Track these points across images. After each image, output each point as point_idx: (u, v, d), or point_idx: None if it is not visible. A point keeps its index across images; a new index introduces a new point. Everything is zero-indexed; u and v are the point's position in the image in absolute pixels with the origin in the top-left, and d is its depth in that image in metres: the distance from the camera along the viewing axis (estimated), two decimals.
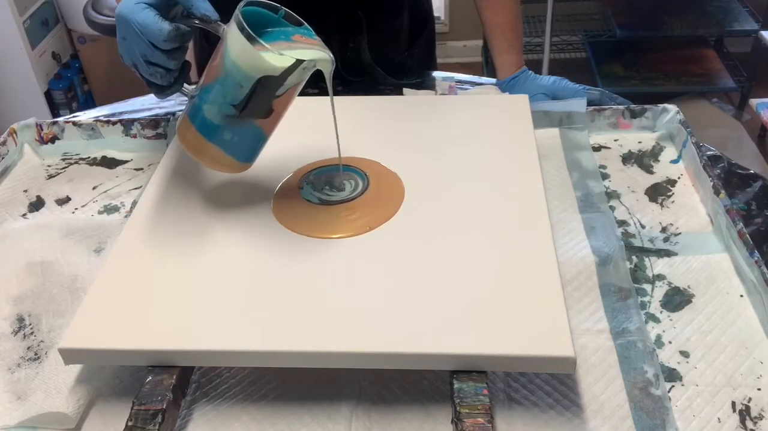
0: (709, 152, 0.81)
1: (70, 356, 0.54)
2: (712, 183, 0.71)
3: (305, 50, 0.58)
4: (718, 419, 0.53)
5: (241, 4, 0.57)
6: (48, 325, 0.63)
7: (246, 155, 0.63)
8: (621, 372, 0.56)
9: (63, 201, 0.80)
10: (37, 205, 0.79)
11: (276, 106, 0.59)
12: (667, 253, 0.68)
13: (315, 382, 0.57)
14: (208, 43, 1.00)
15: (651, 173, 0.78)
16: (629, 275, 0.64)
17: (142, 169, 0.84)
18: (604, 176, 0.78)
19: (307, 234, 0.62)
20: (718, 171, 0.79)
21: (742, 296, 0.63)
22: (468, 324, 0.53)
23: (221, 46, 0.57)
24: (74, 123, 0.88)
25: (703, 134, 1.84)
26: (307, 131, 0.71)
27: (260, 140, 0.62)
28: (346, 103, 0.80)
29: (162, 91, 0.63)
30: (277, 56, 0.55)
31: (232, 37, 0.56)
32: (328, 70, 0.59)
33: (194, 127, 0.60)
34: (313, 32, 0.60)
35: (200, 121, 0.60)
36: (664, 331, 0.60)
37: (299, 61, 0.56)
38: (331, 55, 0.58)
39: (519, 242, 0.60)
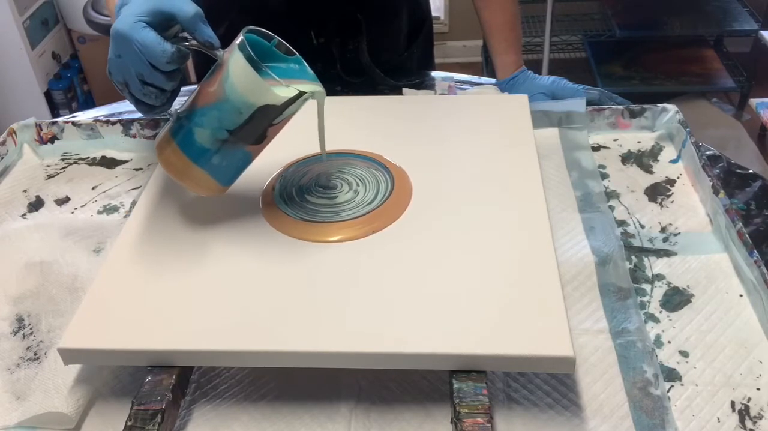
0: (708, 152, 0.81)
1: (69, 356, 0.54)
2: (711, 183, 0.71)
3: (303, 83, 0.59)
4: (718, 419, 0.53)
5: (243, 32, 0.57)
6: (47, 325, 0.63)
7: (229, 179, 0.63)
8: (620, 371, 0.56)
9: (62, 201, 0.80)
10: (36, 205, 0.79)
11: (269, 134, 0.60)
12: (667, 253, 0.68)
13: (314, 382, 0.57)
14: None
15: (650, 172, 0.78)
16: (628, 275, 0.65)
17: (141, 169, 0.84)
18: (604, 176, 0.78)
19: (310, 238, 0.62)
20: (718, 171, 0.79)
21: (741, 295, 0.63)
22: (467, 323, 0.53)
23: (220, 72, 0.57)
24: (74, 123, 0.88)
25: (703, 134, 1.85)
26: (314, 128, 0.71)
27: (246, 164, 0.63)
28: (346, 103, 0.81)
29: (151, 110, 0.62)
30: (282, 87, 0.56)
31: (236, 64, 0.56)
32: (321, 102, 0.61)
33: (180, 149, 0.60)
34: (305, 63, 0.61)
35: (189, 144, 0.59)
36: (663, 331, 0.60)
37: (301, 93, 0.57)
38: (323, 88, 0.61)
39: (518, 241, 0.60)
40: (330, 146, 0.66)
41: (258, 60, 0.56)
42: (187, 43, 0.58)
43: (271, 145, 0.62)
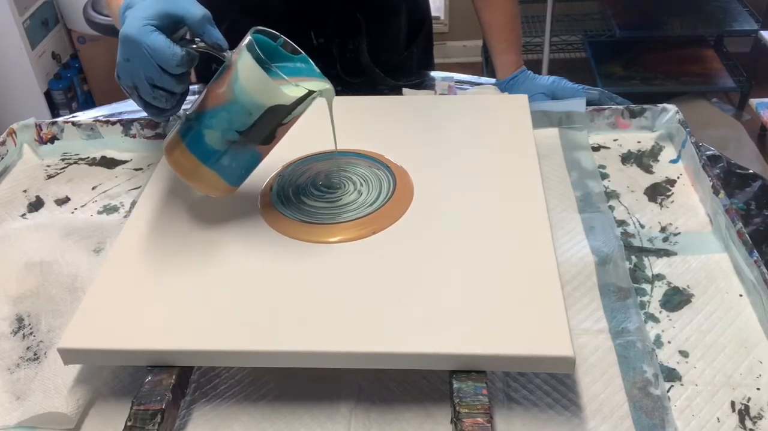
0: (708, 152, 0.81)
1: (69, 356, 0.54)
2: (711, 183, 0.71)
3: (311, 81, 0.60)
4: (718, 419, 0.53)
5: (251, 33, 0.57)
6: (47, 325, 0.63)
7: (238, 179, 0.63)
8: (620, 371, 0.56)
9: (62, 201, 0.80)
10: (36, 205, 0.79)
11: (278, 133, 0.60)
12: (667, 253, 0.68)
13: (314, 382, 0.57)
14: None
15: (650, 172, 0.78)
16: (628, 275, 0.65)
17: (141, 169, 0.84)
18: (604, 176, 0.78)
19: (310, 239, 0.62)
20: (718, 171, 0.79)
21: (741, 295, 0.63)
22: (467, 323, 0.53)
23: (228, 74, 0.57)
24: (73, 123, 0.88)
25: (703, 134, 1.85)
26: (317, 128, 0.70)
27: (255, 164, 0.63)
28: (346, 103, 0.80)
29: (161, 113, 0.61)
30: (292, 87, 0.56)
31: (244, 65, 0.56)
32: (331, 100, 0.61)
33: (190, 151, 0.60)
34: (311, 61, 0.62)
35: (199, 145, 0.59)
36: (663, 331, 0.60)
37: (310, 92, 0.57)
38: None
39: (518, 242, 0.60)
40: (330, 146, 0.66)
41: (267, 60, 0.56)
42: (194, 46, 0.58)
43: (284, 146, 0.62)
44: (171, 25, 0.58)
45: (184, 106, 0.63)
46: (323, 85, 0.60)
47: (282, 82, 0.56)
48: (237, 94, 0.57)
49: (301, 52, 0.61)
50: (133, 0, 0.59)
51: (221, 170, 0.60)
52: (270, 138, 0.60)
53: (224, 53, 0.58)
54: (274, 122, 0.59)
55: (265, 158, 0.62)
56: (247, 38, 0.57)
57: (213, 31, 0.58)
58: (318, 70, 0.62)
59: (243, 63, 0.56)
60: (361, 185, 0.67)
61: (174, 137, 0.61)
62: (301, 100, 0.57)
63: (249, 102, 0.57)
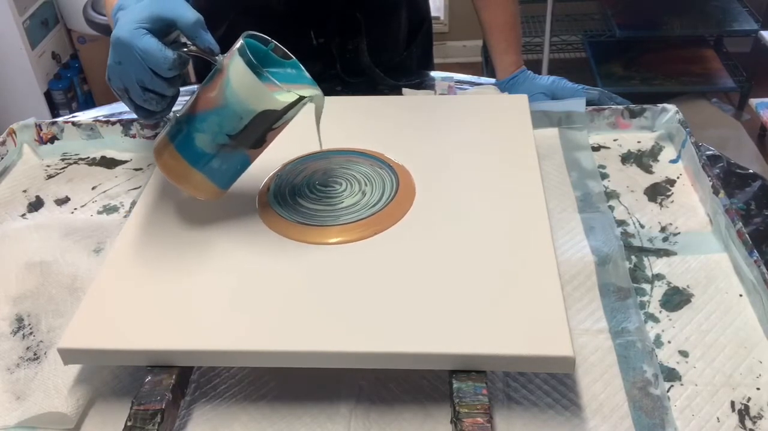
0: (708, 152, 0.81)
1: (69, 356, 0.54)
2: (711, 183, 0.71)
3: (302, 87, 0.60)
4: (717, 418, 0.53)
5: (243, 37, 0.57)
6: (47, 325, 0.63)
7: (227, 183, 0.63)
8: (620, 371, 0.56)
9: (62, 201, 0.80)
10: (36, 205, 0.79)
11: (268, 138, 0.61)
12: (666, 253, 0.68)
13: (314, 382, 0.57)
14: None
15: (650, 172, 0.78)
16: (628, 274, 0.65)
17: (141, 169, 0.84)
18: (604, 176, 0.78)
19: (311, 240, 0.62)
20: (717, 171, 0.79)
21: (741, 295, 0.63)
22: (467, 323, 0.53)
23: (219, 77, 0.57)
24: (73, 123, 0.88)
25: (703, 134, 1.85)
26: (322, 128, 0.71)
27: (245, 167, 0.63)
28: (346, 103, 0.81)
29: (151, 116, 0.61)
30: (283, 92, 0.57)
31: (236, 70, 0.56)
32: (320, 106, 0.61)
33: (180, 154, 0.60)
34: (302, 67, 0.62)
35: (189, 148, 0.59)
36: (663, 331, 0.60)
37: (301, 97, 0.57)
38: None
39: (518, 242, 0.60)
40: (330, 147, 0.66)
41: (258, 65, 0.56)
42: (186, 49, 0.58)
43: (273, 143, 0.62)
44: (163, 29, 0.57)
45: (174, 108, 0.63)
46: (313, 91, 0.60)
47: (273, 87, 0.56)
48: (228, 99, 0.57)
49: (291, 57, 0.61)
50: (125, 2, 0.59)
51: (210, 173, 0.61)
52: (260, 142, 0.60)
53: (216, 57, 0.58)
54: (264, 126, 0.59)
55: (255, 161, 0.62)
56: (239, 42, 0.57)
57: (205, 36, 0.58)
58: (308, 75, 0.62)
59: (235, 67, 0.56)
60: (365, 184, 0.67)
61: (163, 139, 0.61)
62: (291, 106, 0.58)
63: (240, 106, 0.57)
